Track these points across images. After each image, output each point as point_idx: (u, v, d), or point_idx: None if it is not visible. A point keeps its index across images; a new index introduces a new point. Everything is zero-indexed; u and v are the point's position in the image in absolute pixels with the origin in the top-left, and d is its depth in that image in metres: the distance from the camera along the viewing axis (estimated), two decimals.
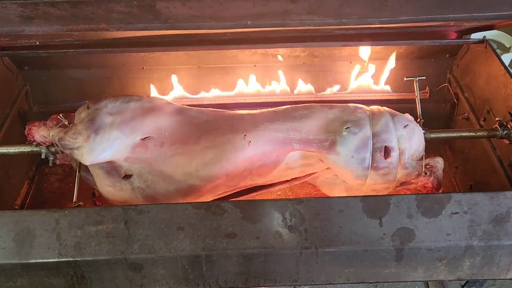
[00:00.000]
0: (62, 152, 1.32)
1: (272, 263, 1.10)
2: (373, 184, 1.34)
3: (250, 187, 1.40)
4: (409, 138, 1.32)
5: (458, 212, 1.11)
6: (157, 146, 1.30)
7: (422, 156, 1.35)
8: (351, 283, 1.17)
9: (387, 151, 1.30)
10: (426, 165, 1.34)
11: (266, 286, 1.17)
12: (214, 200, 1.38)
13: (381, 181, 1.34)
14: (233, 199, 1.40)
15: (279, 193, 1.67)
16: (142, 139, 1.29)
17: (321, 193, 1.67)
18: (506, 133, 1.36)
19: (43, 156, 1.35)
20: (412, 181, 1.36)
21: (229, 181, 1.33)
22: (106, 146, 1.24)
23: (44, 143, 1.34)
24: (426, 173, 1.33)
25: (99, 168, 1.31)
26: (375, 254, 1.10)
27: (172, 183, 1.30)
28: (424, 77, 1.51)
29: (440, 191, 1.37)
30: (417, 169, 1.33)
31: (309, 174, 1.44)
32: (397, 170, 1.31)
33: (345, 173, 1.34)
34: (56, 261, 1.06)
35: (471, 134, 1.44)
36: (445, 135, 1.46)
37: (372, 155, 1.30)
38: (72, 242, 1.07)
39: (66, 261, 1.06)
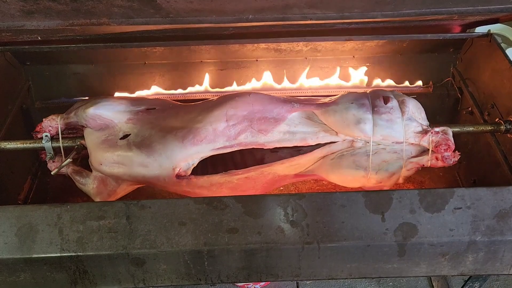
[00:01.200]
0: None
1: (274, 258, 1.10)
2: (381, 139, 1.32)
3: (251, 146, 1.37)
4: (404, 96, 1.37)
5: (461, 207, 1.10)
6: (159, 111, 1.39)
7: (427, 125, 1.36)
8: (353, 278, 1.17)
9: (385, 99, 1.33)
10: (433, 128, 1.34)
11: (268, 281, 1.17)
12: (218, 172, 1.38)
13: (387, 132, 1.31)
14: (240, 171, 1.38)
15: (281, 188, 1.67)
16: (147, 109, 1.39)
17: (324, 188, 1.67)
18: (510, 128, 1.35)
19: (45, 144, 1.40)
20: (423, 143, 1.33)
21: (229, 129, 1.32)
22: (110, 105, 1.38)
23: (49, 131, 1.38)
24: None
25: (97, 138, 1.36)
26: (377, 249, 1.09)
27: (171, 130, 1.33)
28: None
29: (456, 155, 1.33)
30: (423, 127, 1.33)
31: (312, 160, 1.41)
32: (401, 119, 1.30)
33: (346, 120, 1.32)
34: (58, 256, 1.06)
35: (475, 128, 1.42)
36: None
37: (371, 101, 1.32)
38: (74, 237, 1.07)
39: (68, 256, 1.06)
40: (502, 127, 1.37)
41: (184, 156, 1.30)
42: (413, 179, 1.72)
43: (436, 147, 1.32)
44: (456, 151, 1.33)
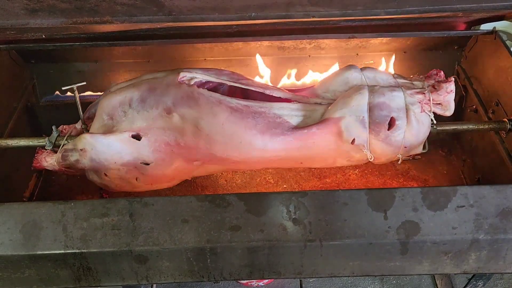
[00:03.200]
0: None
1: (276, 255, 1.11)
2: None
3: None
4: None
5: (464, 206, 1.09)
6: None
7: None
8: (356, 276, 1.17)
9: (391, 122, 1.31)
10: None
11: (271, 279, 1.18)
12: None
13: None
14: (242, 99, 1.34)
15: (284, 186, 1.68)
16: None
17: (327, 186, 1.67)
18: None
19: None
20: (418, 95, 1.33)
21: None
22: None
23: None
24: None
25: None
26: (380, 247, 1.09)
27: None
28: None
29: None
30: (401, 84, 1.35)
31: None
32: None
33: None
34: (63, 253, 1.07)
35: (479, 126, 1.42)
36: (453, 127, 1.44)
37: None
38: (78, 234, 1.08)
39: (72, 253, 1.07)
40: (506, 125, 1.36)
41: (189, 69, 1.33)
42: (417, 177, 1.71)
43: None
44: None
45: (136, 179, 1.32)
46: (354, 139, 1.29)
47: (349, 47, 1.73)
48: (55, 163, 1.31)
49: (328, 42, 1.70)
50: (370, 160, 1.33)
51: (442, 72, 1.39)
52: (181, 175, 1.39)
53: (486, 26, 1.63)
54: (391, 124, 1.28)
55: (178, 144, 1.28)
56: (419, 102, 1.30)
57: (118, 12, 1.11)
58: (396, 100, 1.28)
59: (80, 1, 1.07)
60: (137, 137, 1.27)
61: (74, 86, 1.31)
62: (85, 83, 1.37)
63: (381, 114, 1.27)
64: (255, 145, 1.28)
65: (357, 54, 1.77)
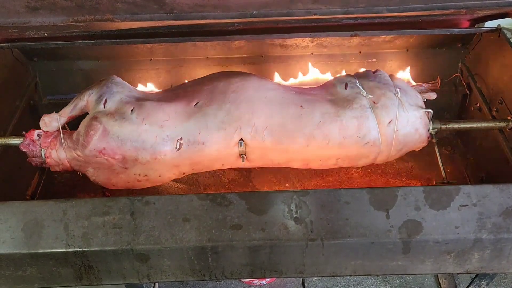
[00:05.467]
0: None
1: (277, 254, 1.10)
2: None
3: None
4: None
5: (467, 205, 1.09)
6: None
7: None
8: (358, 275, 1.16)
9: None
10: None
11: (272, 278, 1.17)
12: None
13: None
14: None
15: (287, 184, 1.67)
16: None
17: (329, 185, 1.66)
18: None
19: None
20: None
21: None
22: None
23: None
24: None
25: None
26: (382, 247, 1.09)
27: None
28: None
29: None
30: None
31: None
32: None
33: None
34: (64, 251, 1.07)
35: (483, 125, 1.41)
36: (457, 126, 1.44)
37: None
38: (80, 232, 1.08)
39: (73, 251, 1.07)
40: (510, 123, 1.35)
41: None
42: (420, 176, 1.70)
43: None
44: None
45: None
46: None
47: (351, 45, 1.72)
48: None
49: (330, 40, 1.69)
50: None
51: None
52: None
53: (490, 24, 1.61)
54: None
55: None
56: None
57: (119, 10, 1.11)
58: None
59: None
60: None
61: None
62: None
63: None
64: None
65: (360, 52, 1.75)
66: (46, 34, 1.44)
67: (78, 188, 1.67)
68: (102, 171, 1.37)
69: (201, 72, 1.76)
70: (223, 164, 1.40)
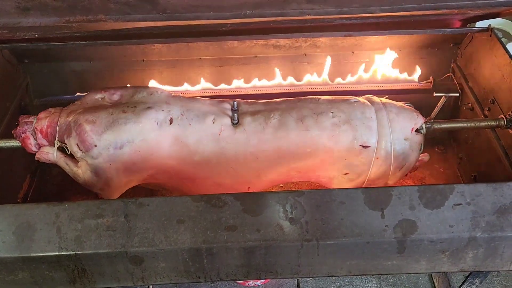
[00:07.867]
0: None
1: (273, 255, 1.10)
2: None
3: None
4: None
5: (461, 204, 1.09)
6: None
7: None
8: (353, 275, 1.16)
9: None
10: None
11: (267, 279, 1.17)
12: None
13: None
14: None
15: (281, 185, 1.67)
16: None
17: (324, 186, 1.66)
18: (511, 123, 1.34)
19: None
20: None
21: None
22: None
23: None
24: None
25: None
26: (377, 246, 1.09)
27: None
28: (458, 94, 1.53)
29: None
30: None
31: None
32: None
33: None
34: (57, 255, 1.06)
35: (476, 124, 1.42)
36: (449, 125, 1.44)
37: None
38: (72, 235, 1.07)
39: (66, 254, 1.06)
40: (502, 122, 1.36)
41: None
42: (414, 175, 1.71)
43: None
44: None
45: None
46: None
47: (344, 45, 1.72)
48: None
49: (323, 40, 1.70)
50: None
51: None
52: None
53: (481, 24, 1.63)
54: None
55: None
56: None
57: (111, 10, 1.10)
58: None
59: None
60: None
61: None
62: None
63: None
64: None
65: (353, 52, 1.76)
66: (37, 35, 1.43)
67: (71, 190, 1.65)
68: None
69: (195, 72, 1.76)
70: None
